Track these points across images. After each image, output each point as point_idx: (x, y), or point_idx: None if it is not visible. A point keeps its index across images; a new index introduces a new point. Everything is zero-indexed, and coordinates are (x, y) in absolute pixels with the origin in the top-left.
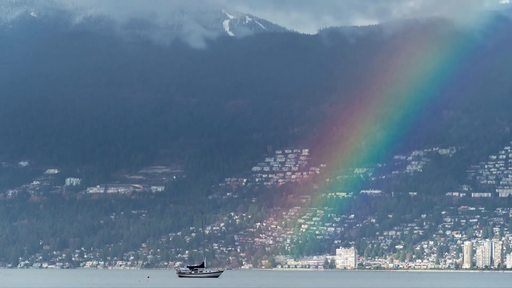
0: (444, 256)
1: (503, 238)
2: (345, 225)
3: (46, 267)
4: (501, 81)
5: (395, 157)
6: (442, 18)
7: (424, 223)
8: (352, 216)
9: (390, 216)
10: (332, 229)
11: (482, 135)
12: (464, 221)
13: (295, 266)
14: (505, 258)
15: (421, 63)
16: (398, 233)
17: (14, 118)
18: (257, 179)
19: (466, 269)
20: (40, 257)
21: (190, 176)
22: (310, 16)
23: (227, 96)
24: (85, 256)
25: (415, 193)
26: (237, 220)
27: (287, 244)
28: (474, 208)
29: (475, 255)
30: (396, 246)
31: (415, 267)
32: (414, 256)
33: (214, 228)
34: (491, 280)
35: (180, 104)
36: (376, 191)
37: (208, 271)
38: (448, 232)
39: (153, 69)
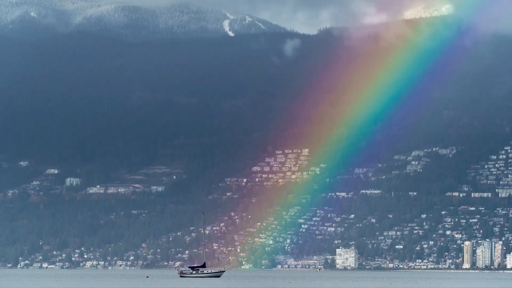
0: (444, 256)
1: (503, 238)
2: (345, 225)
3: (46, 267)
4: (501, 81)
5: (395, 157)
6: (442, 17)
7: (424, 223)
8: (352, 216)
9: (390, 216)
10: (332, 229)
11: (482, 135)
12: (464, 221)
13: (295, 266)
14: (505, 258)
15: (421, 63)
16: (398, 233)
17: (14, 118)
18: (257, 179)
19: (466, 269)
20: (40, 257)
21: (190, 176)
22: (310, 16)
23: (227, 96)
24: (85, 256)
25: (415, 193)
26: (237, 220)
27: (287, 244)
28: (474, 208)
29: (475, 255)
30: (396, 246)
31: (415, 267)
32: (414, 256)
33: (214, 228)
34: (491, 280)
35: (180, 104)
36: (376, 191)
37: (209, 271)
38: (448, 232)
39: (153, 69)
